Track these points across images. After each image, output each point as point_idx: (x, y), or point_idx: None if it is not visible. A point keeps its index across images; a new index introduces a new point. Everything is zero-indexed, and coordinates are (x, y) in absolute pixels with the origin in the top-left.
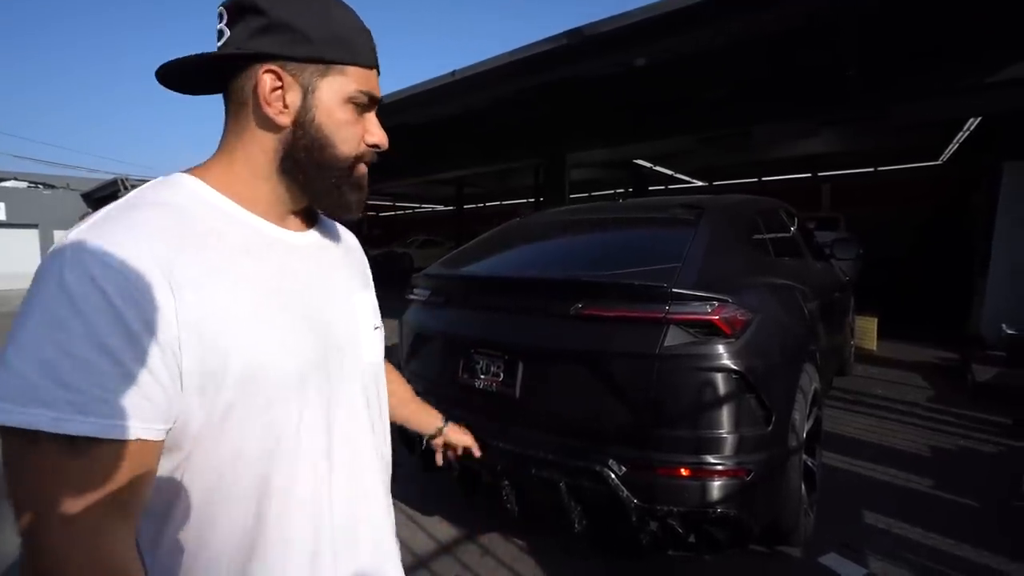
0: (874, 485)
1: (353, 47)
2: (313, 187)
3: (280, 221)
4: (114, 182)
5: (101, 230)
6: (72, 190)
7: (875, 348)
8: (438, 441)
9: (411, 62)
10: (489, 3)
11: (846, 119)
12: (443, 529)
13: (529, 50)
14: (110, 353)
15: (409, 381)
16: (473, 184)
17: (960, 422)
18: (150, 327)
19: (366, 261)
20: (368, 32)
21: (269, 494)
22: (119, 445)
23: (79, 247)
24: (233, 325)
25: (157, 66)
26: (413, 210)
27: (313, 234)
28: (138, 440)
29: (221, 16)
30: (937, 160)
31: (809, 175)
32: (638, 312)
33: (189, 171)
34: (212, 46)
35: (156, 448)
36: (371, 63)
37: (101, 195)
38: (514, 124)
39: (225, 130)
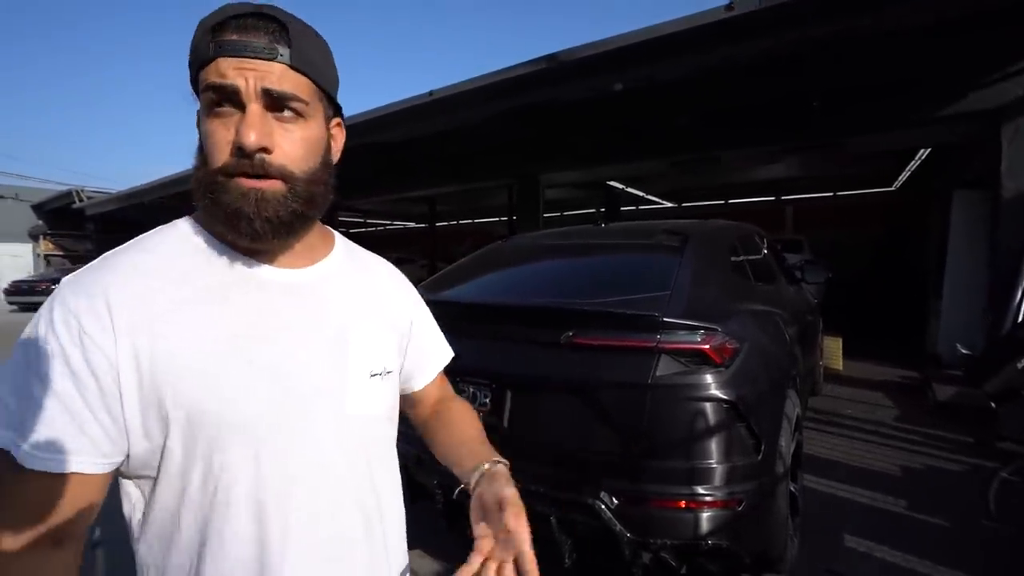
0: (851, 507)
1: (195, 52)
2: (207, 212)
3: (272, 260)
4: (68, 194)
5: (81, 275)
6: (22, 201)
7: (841, 368)
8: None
9: (389, 75)
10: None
11: (807, 147)
12: (425, 564)
13: (506, 73)
14: (55, 393)
15: None
16: (446, 202)
17: (926, 441)
18: (92, 369)
19: (406, 297)
20: (208, 21)
21: (207, 546)
22: (57, 477)
23: (60, 290)
24: (178, 371)
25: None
26: (384, 227)
27: (318, 269)
28: (75, 473)
29: None
30: (891, 187)
31: (773, 198)
32: (630, 341)
33: (193, 214)
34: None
35: (97, 481)
36: (209, 52)
37: (53, 207)
38: (489, 144)
39: None
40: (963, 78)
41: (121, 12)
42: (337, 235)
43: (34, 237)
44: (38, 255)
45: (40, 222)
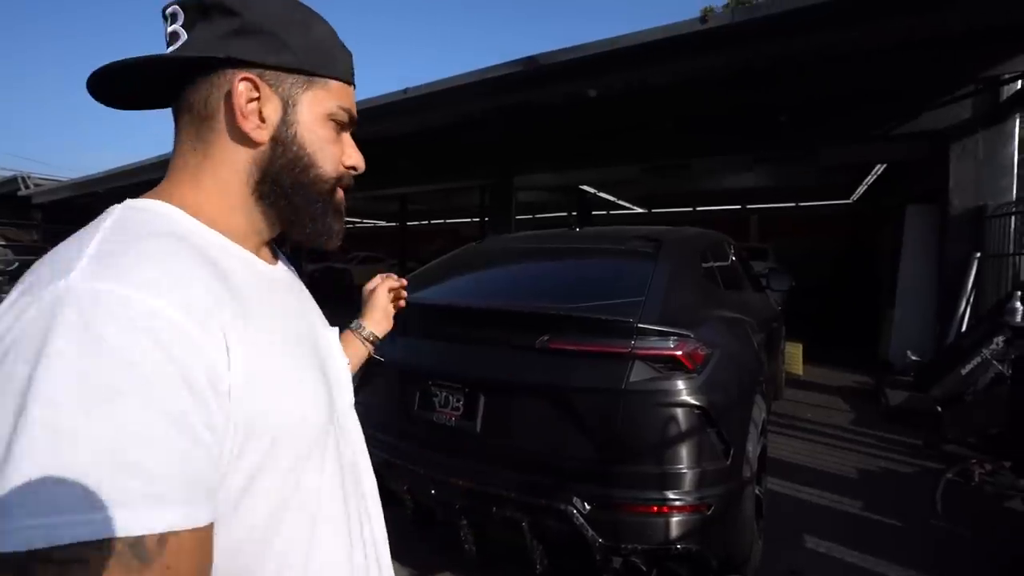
0: (811, 508)
1: (335, 60)
2: (294, 213)
3: (258, 252)
4: (14, 179)
5: (130, 270)
6: None
7: (802, 373)
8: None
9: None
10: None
11: (776, 157)
12: (395, 570)
13: (484, 74)
14: (180, 422)
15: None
16: (418, 201)
17: (879, 444)
18: (213, 385)
19: None
20: (346, 48)
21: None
22: (200, 533)
23: (103, 292)
24: (266, 379)
25: (89, 73)
26: (354, 224)
27: (281, 266)
28: (211, 524)
29: (175, 17)
30: (849, 199)
31: (739, 206)
32: (604, 346)
33: (151, 196)
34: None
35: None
36: (351, 79)
37: None
38: (464, 144)
39: (180, 149)
40: (917, 99)
41: None
42: None
43: None
44: None
45: None
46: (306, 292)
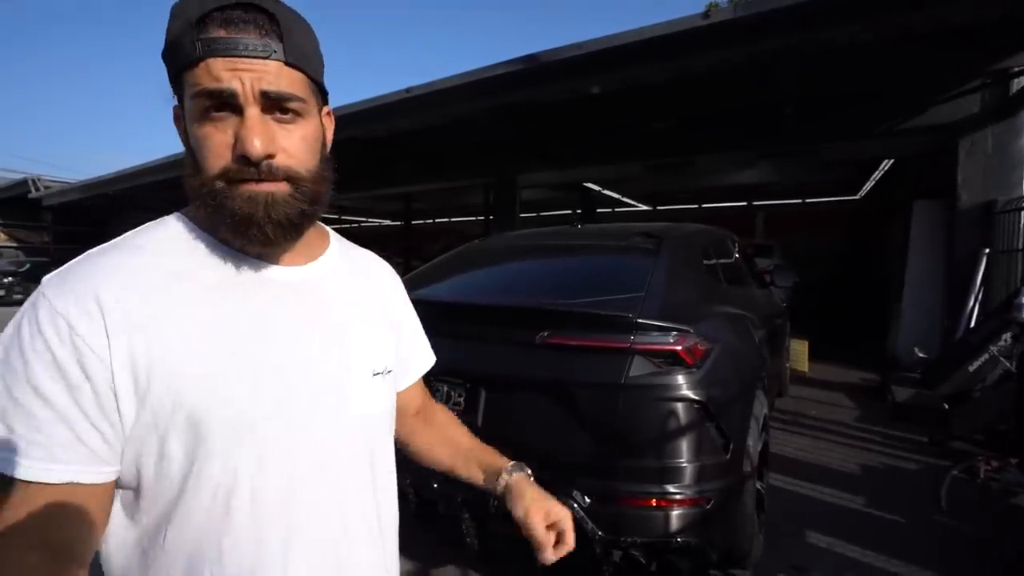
0: (814, 504)
1: (176, 47)
2: (208, 218)
3: (269, 258)
4: (24, 182)
5: (65, 274)
6: None
7: (807, 370)
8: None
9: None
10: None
11: (780, 153)
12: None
13: (485, 72)
14: (45, 397)
15: None
16: (422, 200)
17: (885, 441)
18: (86, 372)
19: (398, 294)
20: (188, 12)
21: (203, 559)
22: (51, 488)
23: (42, 292)
24: (177, 372)
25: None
26: (359, 224)
27: (316, 267)
28: (71, 483)
29: None
30: (856, 195)
31: (744, 203)
32: (604, 341)
33: (184, 210)
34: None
35: (98, 492)
36: (191, 55)
37: (8, 195)
38: (467, 143)
39: None
40: (924, 93)
41: None
42: (331, 231)
43: None
44: None
45: None
46: (338, 295)
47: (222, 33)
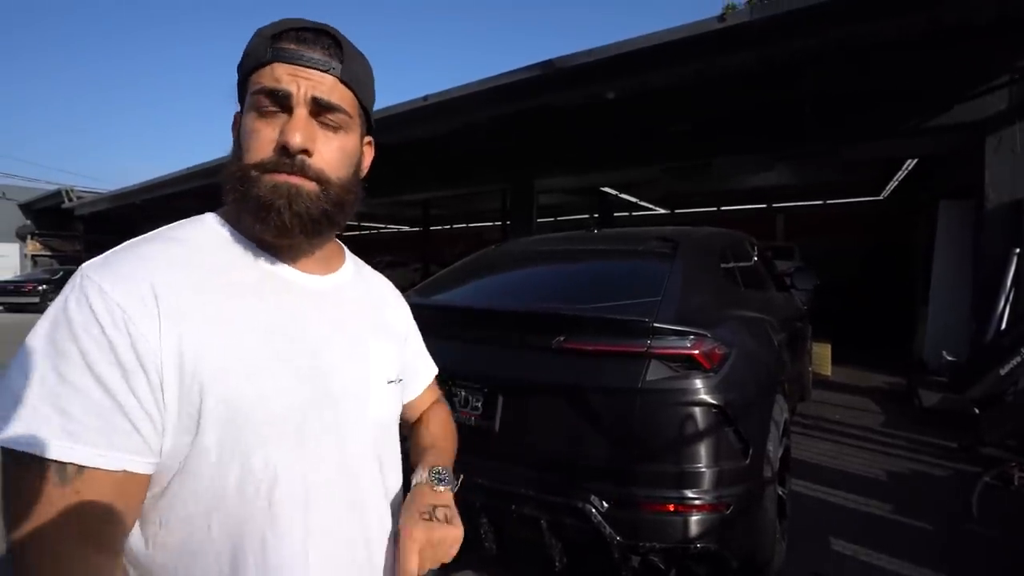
0: (838, 510)
1: (250, 55)
2: (235, 205)
3: (295, 263)
4: (57, 193)
5: (110, 261)
6: (8, 200)
7: (830, 373)
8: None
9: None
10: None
11: (800, 155)
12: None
13: (501, 79)
14: (103, 383)
15: None
16: (440, 206)
17: (911, 446)
18: (140, 360)
19: (402, 312)
20: (267, 31)
21: (244, 551)
22: (104, 475)
23: (87, 277)
24: (215, 364)
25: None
26: (379, 231)
27: (334, 279)
28: (123, 472)
29: None
30: (879, 196)
31: (764, 206)
32: (620, 346)
33: (218, 210)
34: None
35: (142, 482)
36: (262, 59)
37: (42, 206)
38: (484, 149)
39: None
40: (949, 91)
41: (113, 7)
42: (346, 250)
43: (21, 237)
44: (25, 255)
45: (28, 222)
46: (357, 305)
47: (292, 46)
